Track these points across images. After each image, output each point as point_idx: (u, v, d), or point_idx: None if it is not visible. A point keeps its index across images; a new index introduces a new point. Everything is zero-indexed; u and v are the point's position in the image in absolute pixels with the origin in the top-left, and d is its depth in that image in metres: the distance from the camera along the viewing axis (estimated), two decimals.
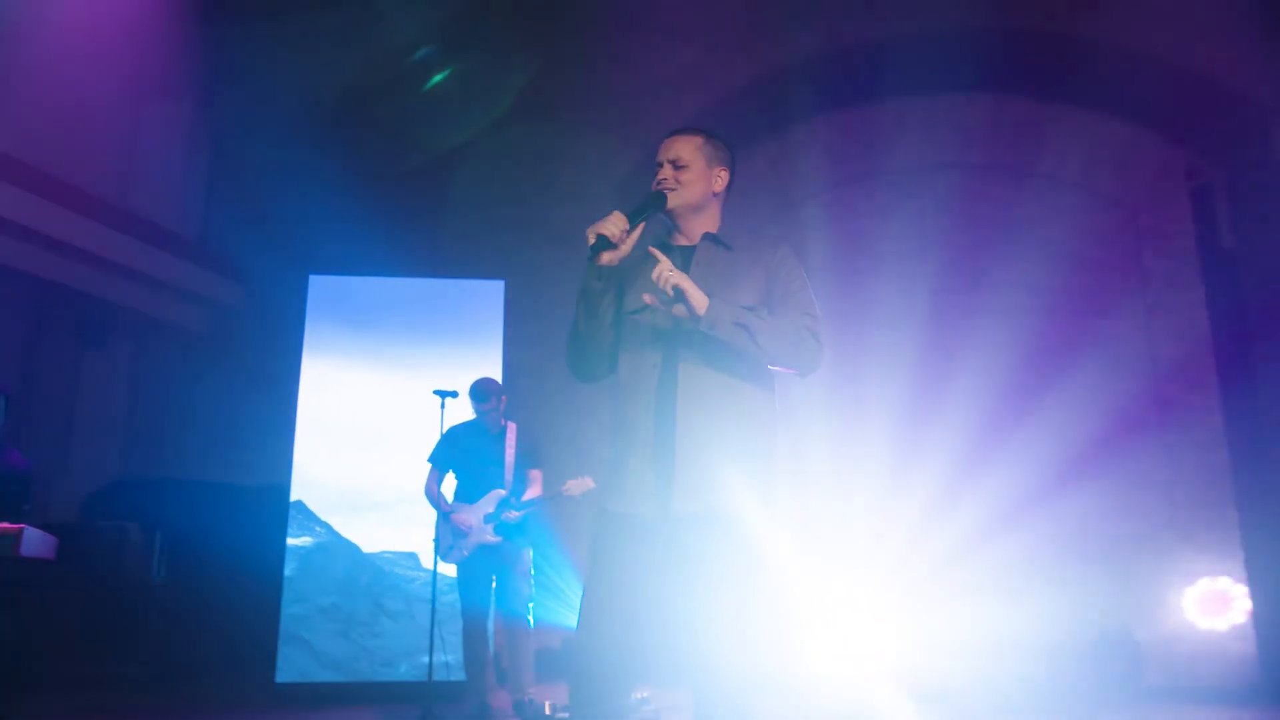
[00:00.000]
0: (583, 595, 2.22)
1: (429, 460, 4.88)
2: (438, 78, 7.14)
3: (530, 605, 4.81)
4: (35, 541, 3.75)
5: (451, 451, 4.89)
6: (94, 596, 5.86)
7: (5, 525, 3.69)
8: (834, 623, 6.07)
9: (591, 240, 2.19)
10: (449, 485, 4.93)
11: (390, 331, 6.01)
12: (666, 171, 2.37)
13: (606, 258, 2.21)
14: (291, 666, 5.54)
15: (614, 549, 2.21)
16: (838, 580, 6.20)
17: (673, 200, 2.36)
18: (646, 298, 2.21)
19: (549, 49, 7.12)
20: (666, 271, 2.17)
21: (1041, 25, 6.37)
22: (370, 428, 5.83)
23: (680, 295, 2.16)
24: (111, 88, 6.94)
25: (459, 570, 4.82)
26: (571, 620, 5.48)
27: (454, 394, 4.90)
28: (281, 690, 5.51)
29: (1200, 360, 6.46)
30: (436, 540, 4.80)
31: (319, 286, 5.99)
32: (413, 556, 5.75)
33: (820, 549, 6.42)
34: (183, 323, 7.48)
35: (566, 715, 4.70)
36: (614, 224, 2.20)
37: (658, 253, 2.25)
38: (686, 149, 2.39)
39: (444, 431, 4.92)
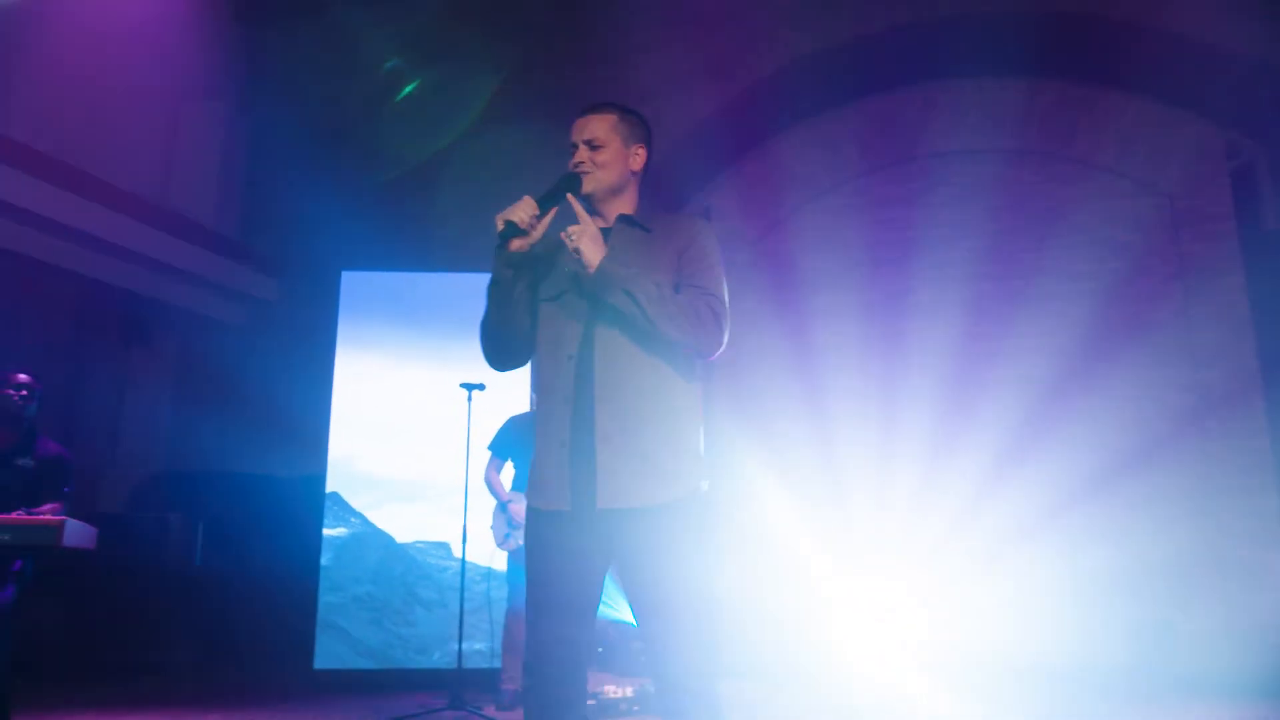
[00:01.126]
0: (526, 596, 2.22)
1: (489, 448, 5.01)
2: (414, 83, 7.17)
3: None
4: (76, 532, 3.89)
5: (511, 441, 4.99)
6: (138, 585, 6.06)
7: (48, 518, 3.84)
8: (863, 614, 6.07)
9: (500, 227, 2.14)
10: (508, 474, 5.06)
11: (420, 325, 6.10)
12: (582, 153, 2.28)
13: (516, 244, 2.15)
14: (329, 653, 5.68)
15: (546, 547, 2.18)
16: (870, 572, 6.20)
17: (589, 184, 2.27)
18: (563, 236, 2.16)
19: (576, 41, 7.15)
20: (576, 230, 2.12)
21: (1073, 7, 6.25)
22: (402, 420, 5.93)
23: (579, 254, 2.12)
24: (153, 90, 7.12)
25: (509, 559, 4.95)
26: (609, 612, 5.56)
27: (481, 386, 4.97)
28: (319, 676, 5.65)
29: (1241, 345, 6.31)
30: (492, 529, 4.90)
31: (351, 281, 6.11)
32: (444, 546, 5.85)
33: (853, 540, 6.42)
34: (224, 318, 7.67)
35: (593, 702, 4.77)
36: (523, 210, 2.14)
37: (577, 206, 2.20)
38: (601, 128, 2.30)
39: (505, 421, 5.04)
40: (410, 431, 5.91)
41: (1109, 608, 5.87)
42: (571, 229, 2.14)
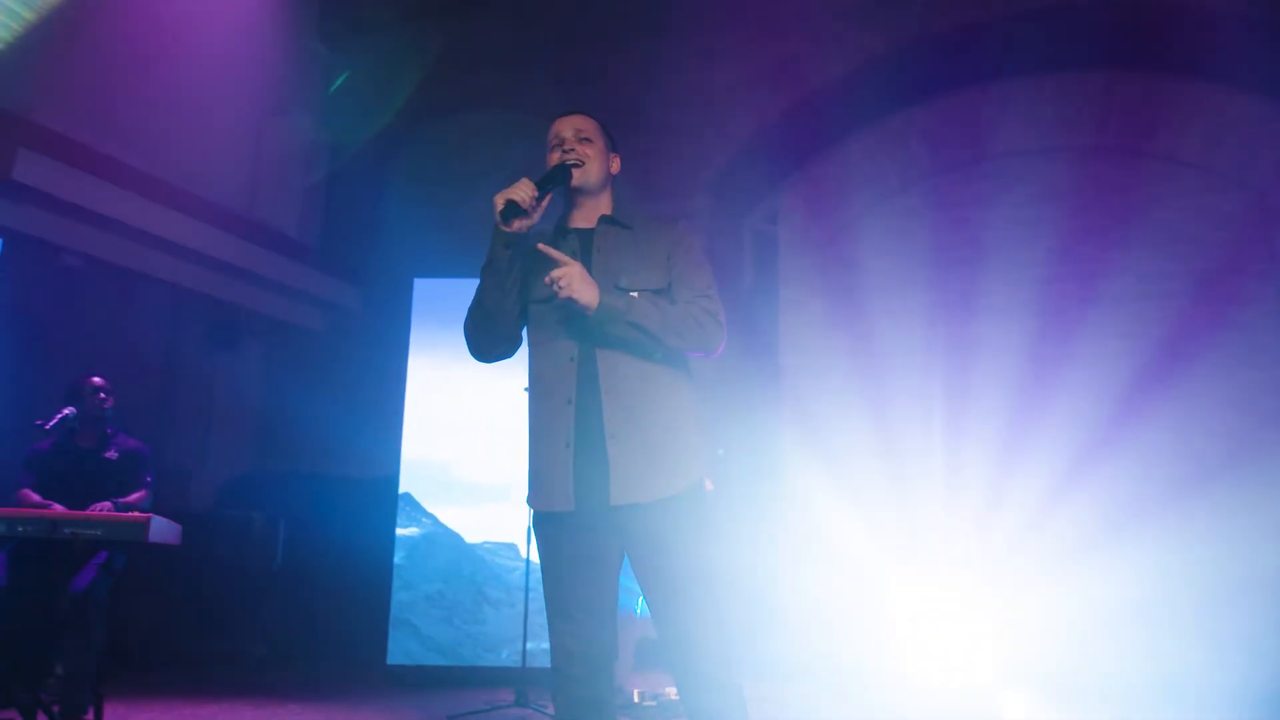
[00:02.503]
0: (545, 600, 2.25)
1: None
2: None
3: (639, 597, 4.92)
4: (162, 529, 4.09)
5: None
6: (221, 580, 6.33)
7: (135, 515, 4.06)
8: (948, 620, 5.95)
9: (500, 206, 2.15)
10: None
11: None
12: (572, 143, 2.32)
13: (517, 224, 2.17)
14: (401, 649, 5.84)
15: (557, 550, 2.22)
16: (935, 578, 6.09)
17: (580, 175, 2.30)
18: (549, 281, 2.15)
19: (645, 47, 7.21)
20: (562, 280, 2.10)
21: None
22: (470, 423, 6.05)
23: (574, 300, 2.11)
24: (239, 106, 7.42)
25: None
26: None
27: None
28: (392, 671, 5.81)
29: None
30: None
31: (423, 289, 6.27)
32: (512, 547, 5.95)
33: (919, 546, 6.32)
34: (306, 325, 7.94)
35: (654, 704, 4.81)
36: (524, 190, 2.15)
37: (552, 251, 2.19)
38: (588, 125, 2.37)
39: None
40: (478, 435, 6.03)
41: (1192, 622, 5.63)
42: (555, 274, 2.12)
